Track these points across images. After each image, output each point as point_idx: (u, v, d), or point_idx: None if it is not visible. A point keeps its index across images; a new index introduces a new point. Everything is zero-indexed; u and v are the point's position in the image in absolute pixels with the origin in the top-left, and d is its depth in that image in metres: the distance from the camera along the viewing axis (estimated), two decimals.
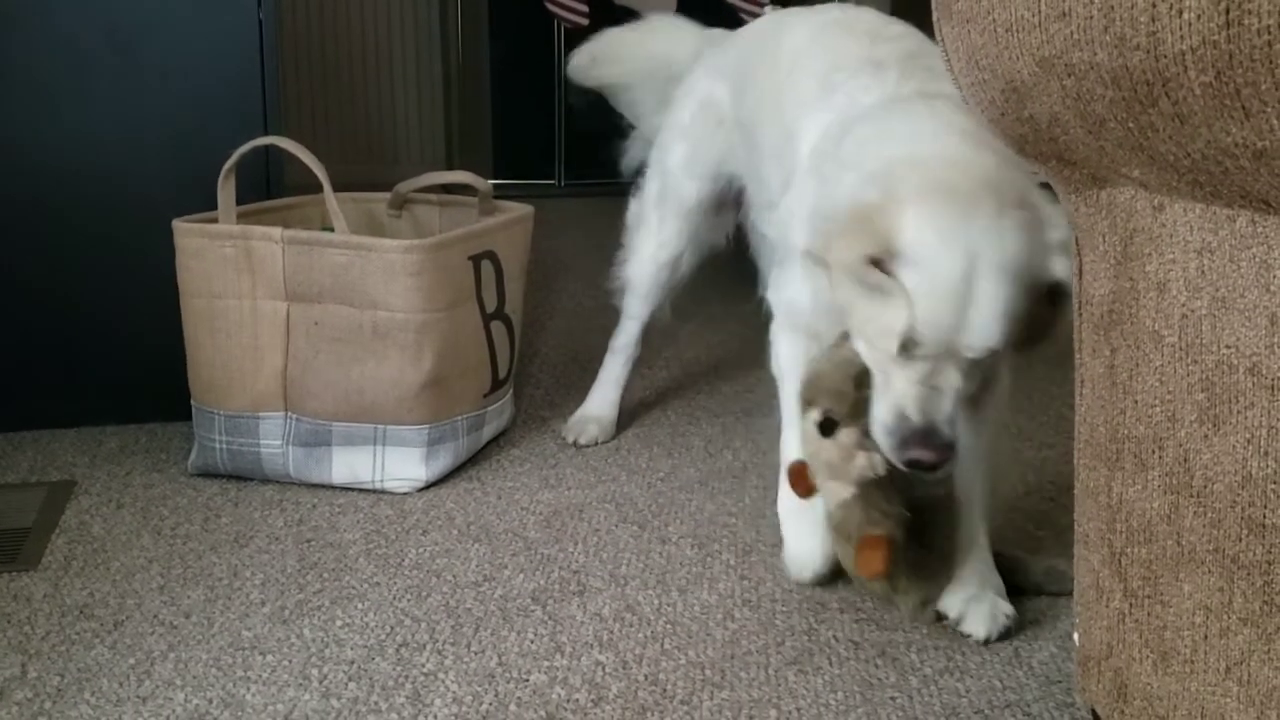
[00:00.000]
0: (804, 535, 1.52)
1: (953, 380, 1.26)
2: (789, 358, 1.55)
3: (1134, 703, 0.91)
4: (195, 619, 1.45)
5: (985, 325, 1.22)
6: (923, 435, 1.25)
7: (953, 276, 1.22)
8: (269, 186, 2.07)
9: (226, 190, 1.84)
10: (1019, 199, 1.25)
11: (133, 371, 2.05)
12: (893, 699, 1.30)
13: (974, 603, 1.42)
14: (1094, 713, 1.02)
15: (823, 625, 1.45)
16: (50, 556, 1.60)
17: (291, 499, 1.80)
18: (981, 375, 1.30)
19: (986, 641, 1.40)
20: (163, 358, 1.94)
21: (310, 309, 1.78)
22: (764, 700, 1.30)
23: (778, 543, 1.59)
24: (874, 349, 1.29)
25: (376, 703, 1.28)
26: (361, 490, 1.83)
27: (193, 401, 1.87)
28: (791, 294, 1.51)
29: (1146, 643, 0.88)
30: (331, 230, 1.82)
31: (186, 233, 1.82)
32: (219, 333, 1.81)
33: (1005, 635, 1.42)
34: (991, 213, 1.23)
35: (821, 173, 1.42)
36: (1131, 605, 0.90)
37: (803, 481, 1.40)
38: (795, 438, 1.47)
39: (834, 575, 1.52)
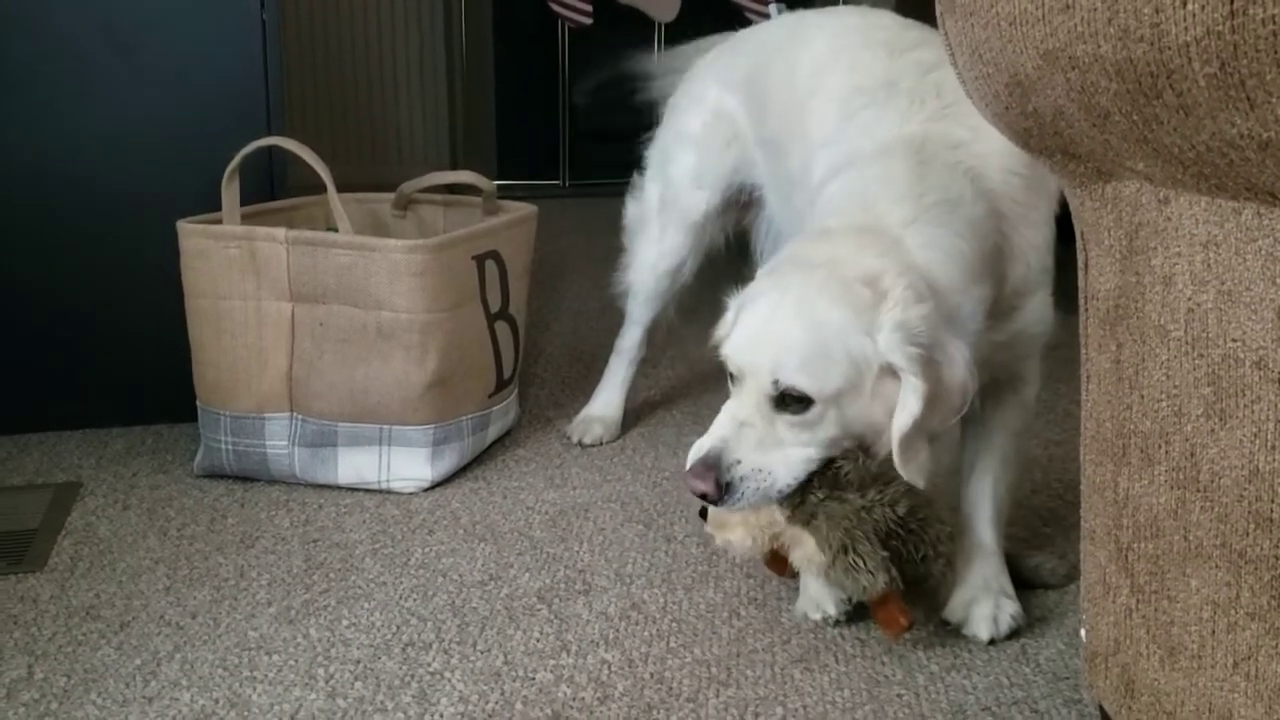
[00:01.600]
0: (812, 579, 1.46)
1: (755, 418, 1.27)
2: None
3: (1141, 698, 0.90)
4: (201, 619, 1.45)
5: (773, 354, 1.25)
6: (701, 465, 1.27)
7: (757, 309, 1.29)
8: (273, 187, 2.08)
9: (230, 191, 1.84)
10: (869, 280, 1.25)
11: (138, 373, 2.05)
12: (899, 696, 1.30)
13: (975, 605, 1.42)
14: (1101, 709, 1.01)
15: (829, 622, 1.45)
16: (57, 558, 1.60)
17: (297, 499, 1.80)
18: (817, 438, 1.26)
19: (992, 642, 1.40)
20: (168, 359, 1.94)
21: (315, 309, 1.78)
22: (770, 698, 1.29)
23: None
24: None
25: (383, 702, 1.28)
26: (367, 490, 1.83)
27: (198, 403, 1.87)
28: None
29: (1154, 638, 0.88)
30: (336, 231, 1.82)
31: (191, 234, 1.82)
32: (224, 334, 1.81)
33: (1013, 634, 1.41)
34: (819, 277, 1.26)
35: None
36: (1139, 601, 0.90)
37: (776, 564, 1.38)
38: None
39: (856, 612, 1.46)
